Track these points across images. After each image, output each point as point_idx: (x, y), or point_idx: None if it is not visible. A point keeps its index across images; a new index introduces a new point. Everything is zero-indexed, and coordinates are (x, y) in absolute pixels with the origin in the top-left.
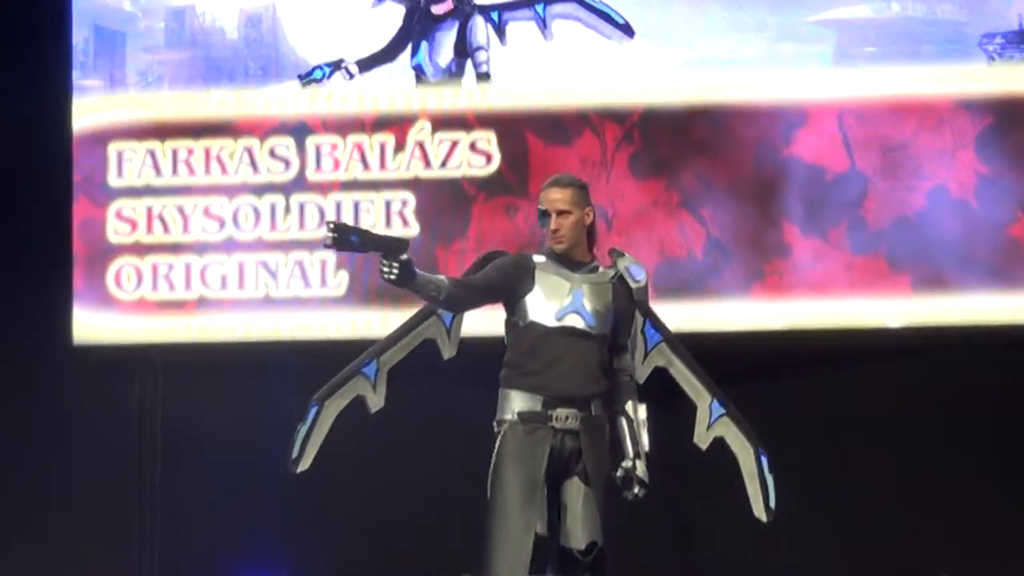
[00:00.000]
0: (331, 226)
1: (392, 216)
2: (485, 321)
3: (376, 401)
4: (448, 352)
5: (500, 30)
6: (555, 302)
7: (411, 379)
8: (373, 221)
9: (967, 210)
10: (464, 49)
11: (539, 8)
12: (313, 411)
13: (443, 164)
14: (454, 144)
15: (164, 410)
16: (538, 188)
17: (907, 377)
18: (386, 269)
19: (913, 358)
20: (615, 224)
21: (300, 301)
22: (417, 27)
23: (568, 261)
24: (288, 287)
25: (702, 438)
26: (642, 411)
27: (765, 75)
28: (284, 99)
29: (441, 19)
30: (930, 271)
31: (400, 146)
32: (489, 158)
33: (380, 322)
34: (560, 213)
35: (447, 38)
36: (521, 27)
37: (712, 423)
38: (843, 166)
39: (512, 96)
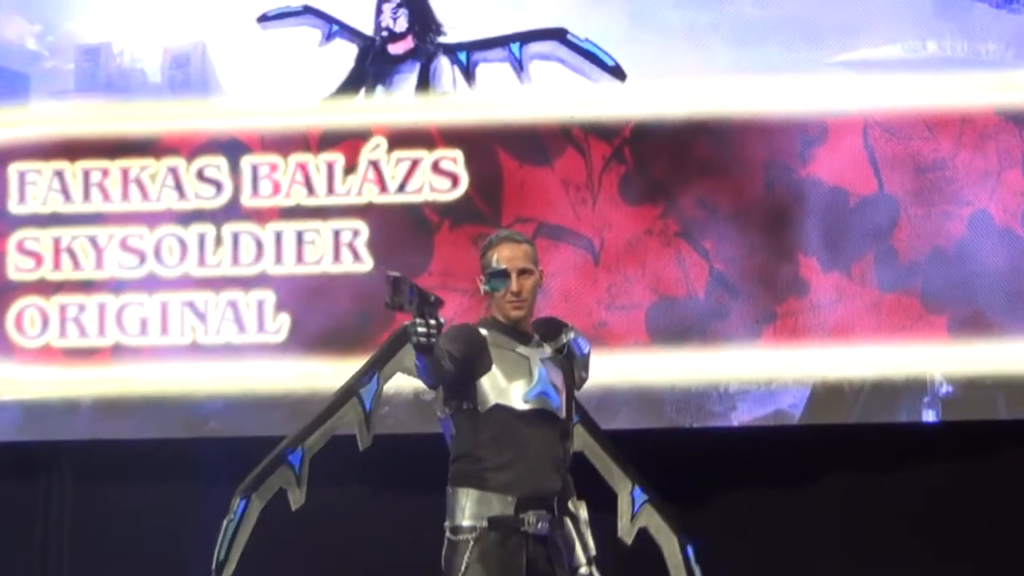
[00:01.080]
0: (391, 279)
1: (341, 249)
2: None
3: (298, 497)
4: (364, 442)
5: (468, 73)
6: (521, 381)
7: (331, 478)
8: (319, 255)
9: (1013, 239)
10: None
11: (515, 48)
12: (242, 505)
13: (401, 188)
14: (414, 164)
15: (71, 511)
16: (512, 215)
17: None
18: (424, 330)
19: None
20: (602, 258)
21: (233, 348)
22: (372, 68)
23: (516, 332)
24: (219, 332)
25: (626, 531)
26: (583, 510)
27: (778, 82)
28: (215, 111)
29: (400, 60)
30: (970, 311)
31: (351, 167)
32: (455, 180)
33: (327, 373)
34: (522, 273)
35: (406, 82)
36: (493, 69)
37: (636, 513)
38: (869, 189)
39: (482, 108)
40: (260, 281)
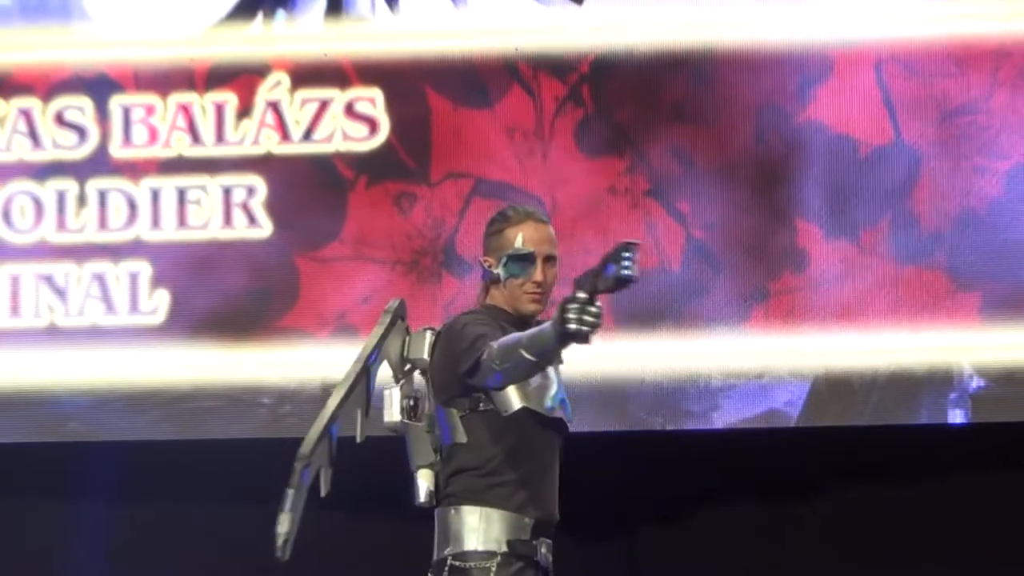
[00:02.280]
0: (633, 248)
1: (232, 210)
2: None
3: (328, 480)
4: (362, 434)
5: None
6: (545, 383)
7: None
8: (206, 218)
9: None
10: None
11: None
12: (306, 475)
13: (307, 135)
14: (323, 106)
15: None
16: (443, 170)
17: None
18: (592, 318)
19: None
20: (554, 222)
21: (99, 333)
22: None
23: (525, 328)
24: (82, 313)
25: None
26: None
27: (771, 6)
28: (78, 40)
29: None
30: (1007, 288)
31: (245, 109)
32: (373, 127)
33: (215, 363)
34: (547, 260)
35: (313, 5)
36: None
37: None
38: (884, 137)
39: (408, 39)
40: (133, 250)
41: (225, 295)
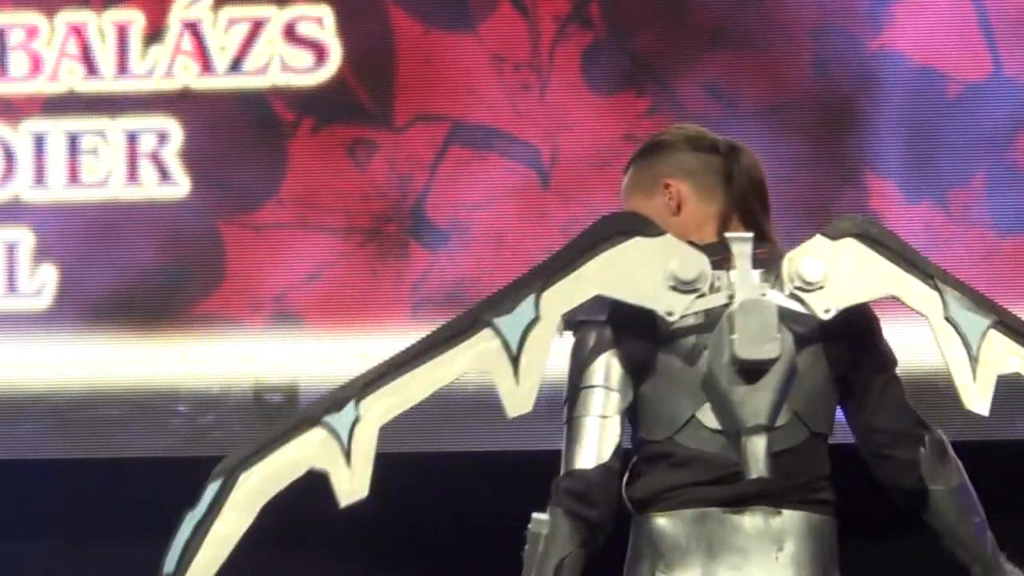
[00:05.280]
0: None
1: (139, 162)
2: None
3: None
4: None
5: None
6: None
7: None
8: (105, 172)
9: None
10: None
11: None
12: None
13: (235, 66)
14: (256, 28)
15: None
16: (411, 111)
17: None
18: None
19: None
20: (555, 178)
21: None
22: None
23: None
24: None
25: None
26: None
27: None
28: None
29: None
30: None
31: (155, 32)
32: (321, 54)
33: (119, 358)
34: None
35: None
36: None
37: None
38: (980, 71)
39: None
40: (10, 214)
41: (129, 272)
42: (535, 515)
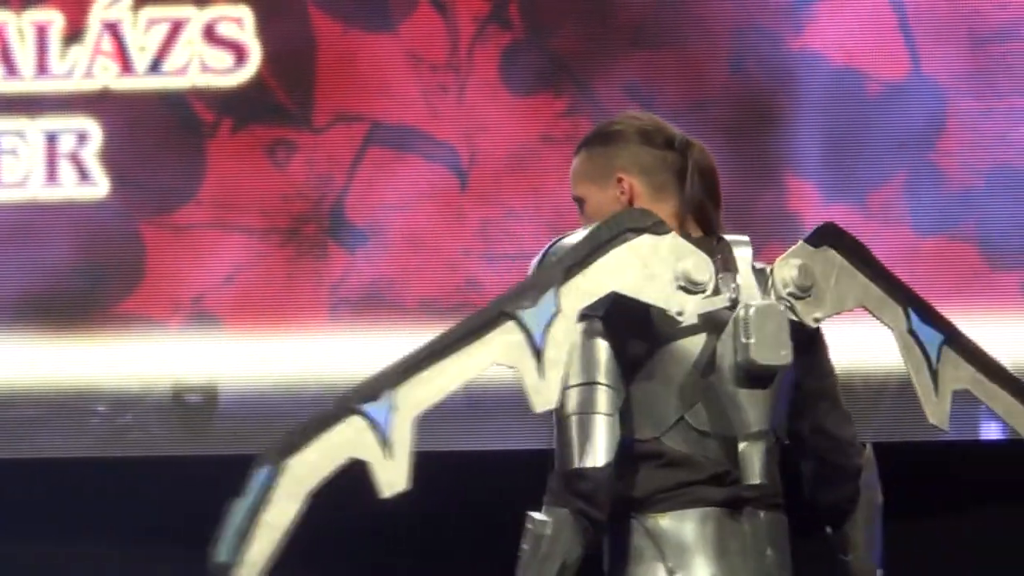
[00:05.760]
0: None
1: (59, 163)
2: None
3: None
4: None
5: None
6: None
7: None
8: (23, 173)
9: None
10: None
11: None
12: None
13: (154, 67)
14: (176, 28)
15: None
16: (330, 111)
17: None
18: None
19: None
20: (472, 179)
21: None
22: None
23: None
24: None
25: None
26: None
27: None
28: None
29: None
30: None
31: (75, 32)
32: (241, 55)
33: (37, 357)
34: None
35: None
36: None
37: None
38: (899, 70)
39: None
40: None
41: (48, 273)
42: (534, 515)
